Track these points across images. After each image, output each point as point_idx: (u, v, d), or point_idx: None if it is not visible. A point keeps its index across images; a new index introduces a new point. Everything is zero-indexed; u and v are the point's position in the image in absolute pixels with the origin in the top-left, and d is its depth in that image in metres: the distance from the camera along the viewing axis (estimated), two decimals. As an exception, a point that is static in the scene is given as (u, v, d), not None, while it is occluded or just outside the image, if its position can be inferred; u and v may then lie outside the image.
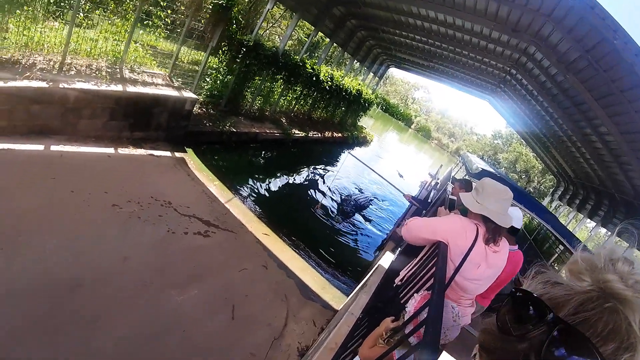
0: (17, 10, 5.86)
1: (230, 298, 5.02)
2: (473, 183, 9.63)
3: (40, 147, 5.95)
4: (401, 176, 20.29)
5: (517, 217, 3.81)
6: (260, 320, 4.95)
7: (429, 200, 7.71)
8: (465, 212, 3.03)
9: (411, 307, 2.08)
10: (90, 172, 6.07)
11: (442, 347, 2.60)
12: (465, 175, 10.65)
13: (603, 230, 17.73)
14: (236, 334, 4.53)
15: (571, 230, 12.10)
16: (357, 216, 11.12)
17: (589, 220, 17.86)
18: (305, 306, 5.72)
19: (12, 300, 3.50)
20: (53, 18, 6.78)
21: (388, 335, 2.15)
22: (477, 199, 2.70)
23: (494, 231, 2.65)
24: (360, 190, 13.71)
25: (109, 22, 7.35)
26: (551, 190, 26.93)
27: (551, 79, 11.81)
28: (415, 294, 2.18)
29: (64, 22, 6.80)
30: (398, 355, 1.81)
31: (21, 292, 3.60)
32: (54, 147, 6.13)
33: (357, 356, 2.38)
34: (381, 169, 19.10)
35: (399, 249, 6.38)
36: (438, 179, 12.41)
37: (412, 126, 73.51)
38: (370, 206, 12.45)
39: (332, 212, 10.40)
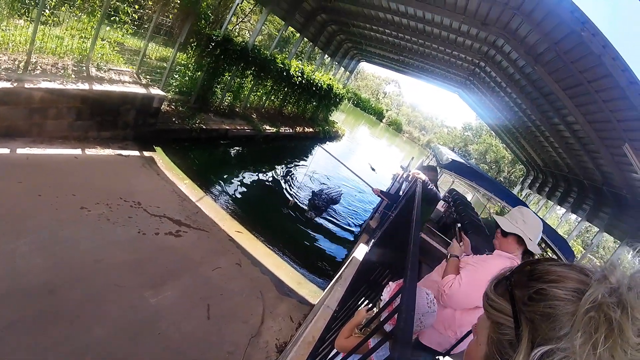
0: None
1: (205, 297, 5.03)
2: (445, 175, 9.80)
3: (6, 151, 5.79)
4: (373, 169, 20.46)
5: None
6: (236, 319, 4.98)
7: (400, 193, 7.84)
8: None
9: (386, 295, 2.12)
10: (57, 174, 5.93)
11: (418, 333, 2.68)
12: (436, 166, 10.86)
13: (573, 216, 18.37)
14: (213, 333, 4.55)
15: (542, 217, 12.51)
16: (330, 210, 11.20)
17: (558, 207, 18.48)
18: (281, 302, 5.77)
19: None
20: (18, 16, 6.56)
21: (364, 324, 2.23)
22: (519, 225, 2.65)
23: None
24: (331, 185, 13.77)
25: (76, 18, 7.16)
26: (521, 179, 27.71)
27: (519, 71, 12.18)
28: (390, 282, 2.22)
29: (29, 19, 6.58)
30: (373, 343, 1.88)
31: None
32: (19, 150, 5.97)
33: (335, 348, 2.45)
34: (353, 162, 19.29)
35: (372, 240, 6.51)
36: (409, 171, 12.63)
37: (384, 120, 74.21)
38: (342, 199, 12.54)
39: (304, 207, 10.43)
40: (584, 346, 0.62)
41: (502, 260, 2.58)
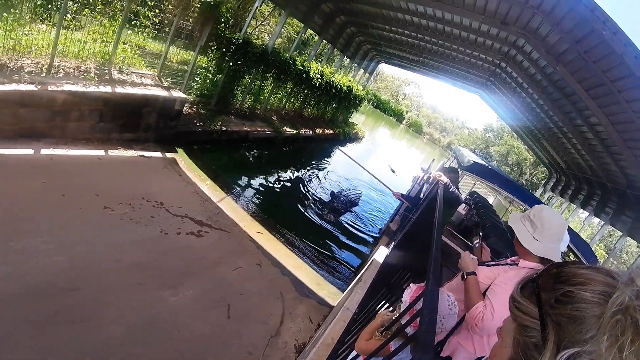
0: (4, 14, 5.78)
1: (225, 297, 5.02)
2: (467, 177, 9.62)
3: (30, 151, 5.90)
4: (393, 171, 20.33)
5: (566, 238, 3.62)
6: (256, 319, 4.95)
7: (420, 196, 7.73)
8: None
9: (407, 297, 2.09)
10: (80, 174, 6.03)
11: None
12: (458, 168, 10.71)
13: (596, 220, 17.91)
14: (232, 333, 4.53)
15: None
16: (349, 212, 11.13)
17: (581, 210, 18.02)
18: (301, 303, 5.73)
19: (5, 303, 3.48)
20: (40, 21, 6.71)
21: (385, 327, 2.17)
22: (536, 236, 2.38)
23: None
24: (350, 187, 13.69)
25: (97, 23, 7.28)
26: (543, 181, 27.15)
27: (541, 71, 11.91)
28: (411, 284, 2.19)
29: (51, 24, 6.72)
30: (394, 346, 1.83)
31: (13, 296, 3.58)
32: (43, 151, 6.08)
33: (354, 350, 2.40)
34: (373, 164, 19.21)
35: (393, 242, 6.42)
36: (430, 173, 12.49)
37: (404, 122, 73.65)
38: (361, 201, 12.45)
39: (323, 209, 10.39)
40: (610, 349, 0.61)
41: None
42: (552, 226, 2.36)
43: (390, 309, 2.67)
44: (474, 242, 3.24)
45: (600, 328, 0.63)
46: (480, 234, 3.14)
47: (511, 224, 2.55)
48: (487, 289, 2.48)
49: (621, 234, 13.86)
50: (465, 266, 2.68)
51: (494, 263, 2.75)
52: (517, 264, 2.52)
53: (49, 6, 6.60)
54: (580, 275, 0.73)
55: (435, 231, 2.75)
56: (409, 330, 1.84)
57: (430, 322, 1.46)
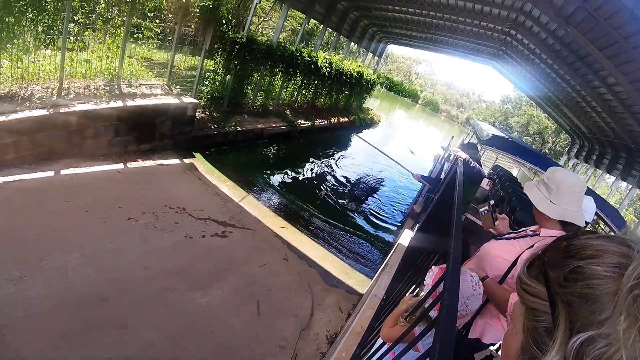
0: (8, 45, 5.92)
1: (254, 294, 5.08)
2: (488, 151, 9.44)
3: (51, 173, 6.06)
4: (412, 153, 20.15)
5: (590, 207, 3.28)
6: (286, 313, 5.00)
7: (442, 175, 7.63)
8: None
9: (429, 279, 2.03)
10: (102, 189, 6.17)
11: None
12: (477, 143, 10.54)
13: (624, 184, 17.36)
14: (263, 328, 4.59)
15: (591, 187, 11.86)
16: (372, 198, 11.08)
17: (607, 175, 17.54)
18: (329, 293, 5.75)
19: (42, 319, 3.61)
20: (44, 46, 6.84)
21: (409, 312, 2.14)
22: (552, 199, 2.27)
23: None
24: (370, 173, 13.59)
25: (100, 41, 7.39)
26: (566, 149, 26.45)
27: (552, 35, 11.56)
28: (433, 267, 2.12)
29: (55, 48, 6.86)
30: (419, 331, 1.80)
31: (49, 312, 3.70)
32: (63, 171, 6.24)
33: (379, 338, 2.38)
34: (392, 148, 19.09)
35: (417, 225, 6.37)
36: (450, 151, 12.31)
37: (419, 101, 72.82)
38: (383, 187, 12.36)
39: (344, 198, 10.36)
40: (628, 331, 0.54)
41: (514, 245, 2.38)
42: (568, 186, 2.24)
43: (414, 293, 2.63)
44: (481, 210, 2.96)
45: (617, 307, 0.57)
46: (492, 202, 2.87)
47: (527, 191, 2.43)
48: (508, 271, 2.33)
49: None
50: (472, 268, 2.47)
51: (513, 235, 2.56)
52: (538, 234, 2.38)
53: (51, 31, 6.71)
54: (591, 247, 0.66)
55: (455, 210, 2.67)
56: (433, 314, 1.78)
57: (451, 305, 1.42)
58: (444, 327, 1.29)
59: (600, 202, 6.72)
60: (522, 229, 2.64)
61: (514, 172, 14.99)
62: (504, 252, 2.41)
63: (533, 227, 2.52)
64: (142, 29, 8.08)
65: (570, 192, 2.23)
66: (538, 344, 0.66)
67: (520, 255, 2.28)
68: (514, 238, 2.50)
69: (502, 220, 2.86)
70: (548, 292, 0.67)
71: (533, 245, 2.29)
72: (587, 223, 3.29)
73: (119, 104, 7.20)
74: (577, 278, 0.63)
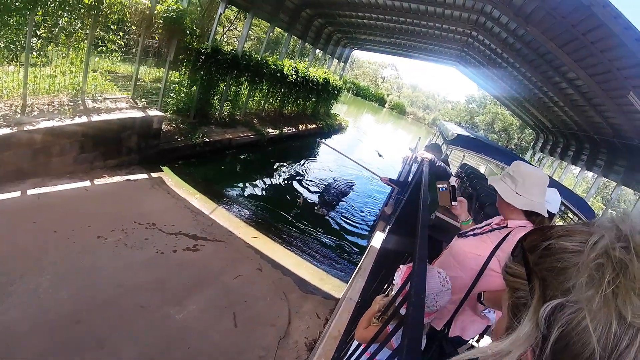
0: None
1: (230, 306, 5.10)
2: (455, 150, 9.71)
3: (17, 194, 5.92)
4: (380, 156, 20.43)
5: (554, 199, 3.58)
6: (263, 323, 5.04)
7: (409, 179, 7.80)
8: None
9: (398, 278, 2.11)
10: (70, 208, 6.05)
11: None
12: (442, 144, 10.77)
13: (590, 174, 18.02)
14: (242, 340, 4.62)
15: (557, 180, 12.31)
16: (343, 202, 11.20)
17: (573, 166, 18.13)
18: (306, 300, 5.82)
19: (16, 343, 3.56)
20: (7, 62, 6.68)
21: (381, 312, 2.24)
22: (518, 191, 2.36)
23: (540, 224, 2.32)
24: (339, 177, 13.72)
25: (63, 55, 7.26)
26: (532, 143, 27.33)
27: (512, 35, 12.01)
28: (401, 265, 2.20)
29: (18, 64, 6.70)
30: (391, 329, 1.88)
31: (22, 334, 3.65)
32: (30, 191, 6.10)
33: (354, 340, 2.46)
34: (361, 152, 19.31)
35: (388, 227, 6.51)
36: (417, 152, 12.55)
37: (386, 105, 73.83)
38: (353, 191, 12.52)
39: (315, 204, 10.46)
40: (592, 297, 0.58)
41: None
42: (533, 179, 2.36)
43: (386, 293, 2.74)
44: (439, 186, 3.00)
45: (580, 273, 0.61)
46: (453, 182, 2.85)
47: (492, 183, 2.55)
48: (485, 264, 2.40)
49: (615, 184, 14.01)
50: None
51: (479, 231, 2.63)
52: (506, 226, 2.47)
53: (12, 47, 6.56)
54: (563, 229, 0.72)
55: (421, 209, 2.76)
56: (404, 311, 1.79)
57: (418, 303, 1.48)
58: (411, 324, 1.35)
59: (566, 192, 7.02)
60: (485, 223, 2.72)
61: (482, 170, 15.40)
62: (475, 248, 2.50)
63: (496, 220, 2.63)
64: (106, 41, 7.98)
65: (535, 184, 2.35)
66: (517, 317, 0.72)
67: (495, 248, 2.39)
68: (481, 233, 2.59)
69: (461, 203, 2.97)
70: (526, 270, 0.73)
71: (505, 237, 2.39)
72: (553, 214, 3.48)
73: (84, 119, 7.08)
74: (549, 254, 0.69)
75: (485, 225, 2.66)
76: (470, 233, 2.68)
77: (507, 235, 2.39)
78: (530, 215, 2.39)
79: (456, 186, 2.92)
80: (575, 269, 0.63)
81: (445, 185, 2.94)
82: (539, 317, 0.63)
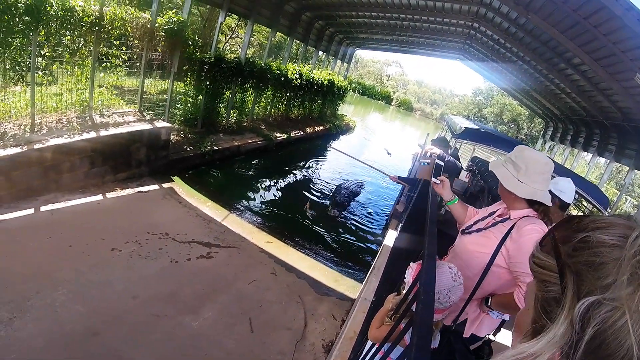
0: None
1: (246, 312, 5.11)
2: (465, 144, 9.61)
3: (31, 211, 6.00)
4: (389, 154, 20.33)
5: (569, 189, 3.36)
6: (279, 327, 5.04)
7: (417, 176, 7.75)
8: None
9: (409, 276, 2.07)
10: (83, 223, 6.12)
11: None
12: (450, 138, 10.69)
13: (602, 160, 17.74)
14: (258, 345, 4.62)
15: (569, 168, 12.15)
16: (354, 202, 11.16)
17: (585, 153, 17.92)
18: (321, 302, 5.81)
19: (32, 357, 3.60)
20: (14, 83, 6.79)
21: (393, 311, 2.21)
22: (520, 178, 2.24)
23: (544, 214, 2.28)
24: (350, 178, 13.68)
25: (69, 73, 7.36)
26: (542, 132, 27.02)
27: (514, 24, 11.91)
28: (411, 263, 2.16)
29: (25, 84, 6.81)
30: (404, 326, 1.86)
31: (41, 350, 3.69)
32: (43, 208, 6.18)
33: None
34: (370, 152, 19.30)
35: (400, 224, 6.47)
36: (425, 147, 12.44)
37: (393, 103, 73.45)
38: (364, 190, 12.47)
39: (327, 206, 10.43)
40: (633, 295, 0.56)
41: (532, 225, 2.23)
42: (537, 165, 2.23)
43: (397, 291, 2.71)
44: (422, 160, 2.97)
45: (620, 271, 0.59)
46: (438, 164, 2.83)
47: (492, 169, 2.44)
48: (490, 261, 2.30)
49: (628, 168, 13.78)
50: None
51: (482, 226, 2.51)
52: (509, 217, 2.35)
53: (17, 67, 6.66)
54: (599, 221, 0.69)
55: (430, 205, 2.71)
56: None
57: (427, 300, 1.46)
58: (420, 322, 1.33)
59: (579, 180, 6.92)
60: (488, 213, 2.62)
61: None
62: (480, 247, 2.40)
63: (499, 210, 2.53)
64: (110, 57, 8.07)
65: (539, 171, 2.23)
66: (547, 313, 0.69)
67: (500, 244, 2.27)
68: (484, 228, 2.48)
69: (443, 182, 2.93)
70: (558, 263, 0.70)
71: (509, 231, 2.27)
72: (568, 204, 3.39)
73: (92, 135, 7.18)
74: (585, 247, 0.66)
75: (488, 217, 2.56)
76: (474, 229, 2.57)
77: (511, 228, 2.28)
78: (533, 203, 2.28)
79: (443, 167, 2.94)
80: (614, 265, 0.61)
81: (428, 162, 3.02)
82: (574, 314, 0.60)
